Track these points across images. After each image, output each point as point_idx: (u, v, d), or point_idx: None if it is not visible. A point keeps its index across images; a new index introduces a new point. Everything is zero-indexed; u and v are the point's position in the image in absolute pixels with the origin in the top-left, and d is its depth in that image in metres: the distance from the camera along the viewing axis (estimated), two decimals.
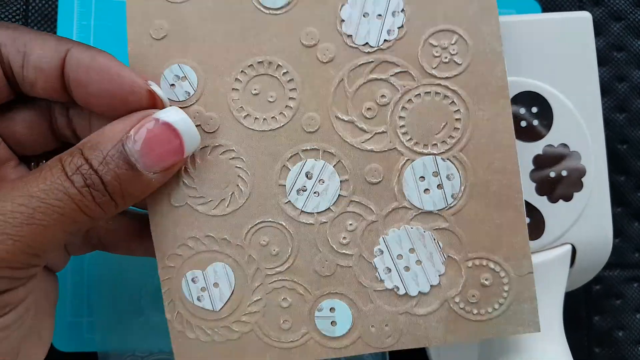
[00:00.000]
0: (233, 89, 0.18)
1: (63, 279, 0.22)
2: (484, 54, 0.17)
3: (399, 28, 0.18)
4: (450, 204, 0.18)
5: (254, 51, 0.18)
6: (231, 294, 0.18)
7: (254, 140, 0.18)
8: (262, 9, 0.18)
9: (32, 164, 0.19)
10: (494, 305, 0.18)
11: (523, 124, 0.20)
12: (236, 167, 0.18)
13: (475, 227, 0.18)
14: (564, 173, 0.20)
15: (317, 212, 0.18)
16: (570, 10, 0.28)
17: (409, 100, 0.18)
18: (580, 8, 0.28)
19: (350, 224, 0.18)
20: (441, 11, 0.17)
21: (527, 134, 0.20)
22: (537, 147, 0.21)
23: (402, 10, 0.17)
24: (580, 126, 0.20)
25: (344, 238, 0.18)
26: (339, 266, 0.18)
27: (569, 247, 0.21)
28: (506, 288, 0.18)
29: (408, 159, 0.18)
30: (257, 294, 0.18)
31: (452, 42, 0.17)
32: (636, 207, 0.27)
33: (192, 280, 0.18)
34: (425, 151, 0.18)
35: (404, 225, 0.18)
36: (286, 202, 0.18)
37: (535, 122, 0.20)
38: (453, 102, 0.17)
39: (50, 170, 0.16)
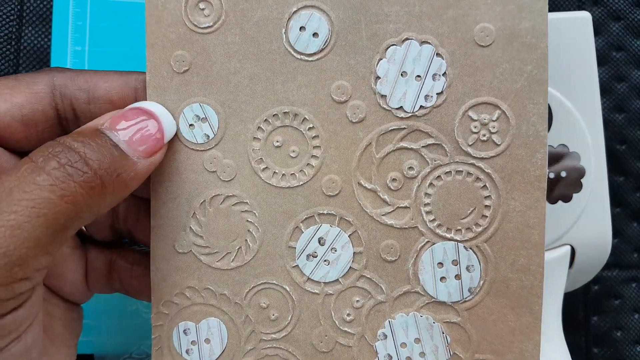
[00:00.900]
0: (254, 137, 0.24)
1: None
2: (526, 136, 0.22)
3: (437, 94, 0.23)
4: (465, 298, 0.22)
5: (281, 99, 0.23)
6: (221, 353, 0.24)
7: (270, 195, 0.24)
8: (293, 52, 0.23)
9: None
10: None
11: None
12: (247, 220, 0.24)
13: (488, 327, 0.22)
14: (563, 174, 0.27)
15: (325, 282, 0.23)
16: (570, 9, 0.35)
17: (438, 176, 0.23)
18: (580, 8, 0.35)
19: (357, 301, 0.24)
20: (487, 79, 0.22)
21: None
22: None
23: (444, 73, 0.23)
24: (580, 127, 0.27)
25: (348, 314, 0.23)
26: (338, 344, 0.24)
27: (568, 248, 0.28)
28: None
29: (428, 241, 0.23)
30: (248, 358, 0.24)
31: (494, 118, 0.22)
32: (635, 208, 0.35)
33: (184, 331, 0.25)
34: (447, 235, 0.23)
35: (414, 312, 0.23)
36: (294, 266, 0.24)
37: None
38: (485, 186, 0.22)
39: (17, 166, 0.19)
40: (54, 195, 0.20)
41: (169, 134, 0.24)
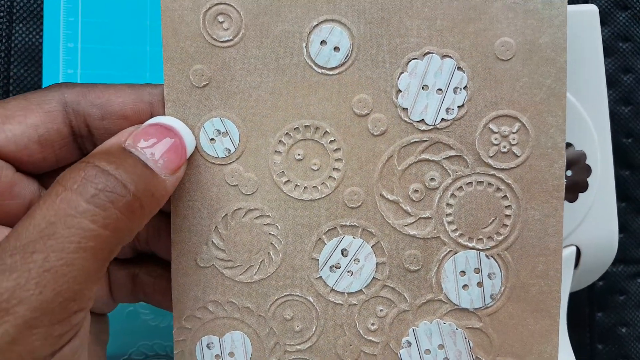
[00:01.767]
0: (276, 151, 0.26)
1: None
2: (545, 147, 0.25)
3: (459, 107, 0.25)
4: (487, 304, 0.26)
5: (302, 113, 0.26)
6: None
7: (292, 208, 0.26)
8: (314, 66, 0.26)
9: None
10: None
11: None
12: (270, 233, 0.26)
13: (509, 331, 0.26)
14: (569, 173, 0.29)
15: (348, 293, 0.26)
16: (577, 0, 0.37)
17: (460, 187, 0.26)
18: None
19: (381, 310, 0.26)
20: (507, 92, 0.25)
21: None
22: None
23: (465, 87, 0.25)
24: (586, 124, 0.29)
25: (373, 324, 0.26)
26: (363, 353, 0.27)
27: (573, 248, 0.30)
28: None
29: (450, 250, 0.26)
30: None
31: (514, 130, 0.25)
32: None
33: (208, 345, 0.27)
34: (469, 245, 0.26)
35: (437, 320, 0.26)
36: (317, 278, 0.26)
37: None
38: (505, 196, 0.25)
39: (50, 195, 0.20)
40: (97, 226, 0.21)
41: (190, 149, 0.26)
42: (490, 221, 0.26)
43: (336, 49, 0.25)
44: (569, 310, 0.31)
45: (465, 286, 0.26)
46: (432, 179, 0.26)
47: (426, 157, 0.26)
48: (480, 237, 0.26)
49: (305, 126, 0.26)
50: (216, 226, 0.26)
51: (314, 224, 0.26)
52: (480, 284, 0.26)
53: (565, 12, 0.24)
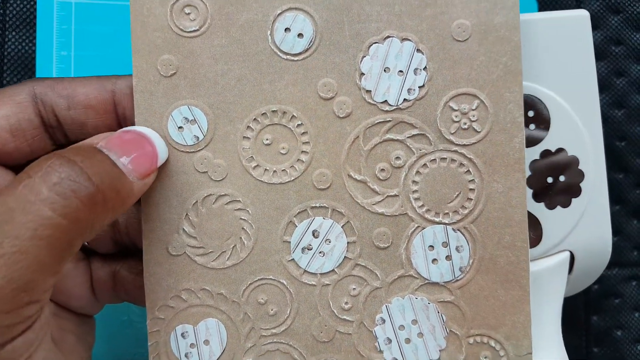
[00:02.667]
0: (244, 137, 0.27)
1: None
2: (504, 122, 0.26)
3: (419, 87, 0.27)
4: (457, 277, 0.27)
5: (269, 98, 0.27)
6: (222, 354, 0.27)
7: (262, 192, 0.27)
8: (279, 53, 0.27)
9: None
10: None
11: None
12: (241, 218, 0.27)
13: (480, 303, 0.27)
14: (562, 178, 0.29)
15: (321, 273, 0.27)
16: (569, 3, 0.38)
17: (424, 164, 0.27)
18: (579, 0, 0.37)
19: (354, 289, 0.27)
20: (465, 72, 0.26)
21: None
22: (534, 152, 0.29)
23: (425, 68, 0.27)
24: (579, 130, 0.29)
25: (346, 303, 0.27)
26: (338, 332, 0.27)
27: (567, 254, 0.30)
28: None
29: (418, 226, 0.27)
30: (249, 356, 0.27)
31: (473, 107, 0.26)
32: (635, 205, 0.38)
33: (182, 335, 0.27)
34: (436, 219, 0.27)
35: (409, 295, 0.27)
36: (289, 260, 0.27)
37: (532, 127, 0.29)
38: (468, 170, 0.27)
39: (14, 183, 0.20)
40: (56, 214, 0.20)
41: (162, 158, 0.26)
42: (455, 196, 0.27)
43: (300, 35, 0.26)
44: (564, 314, 0.31)
45: (434, 260, 0.27)
46: (397, 158, 0.27)
47: (391, 137, 0.27)
48: (446, 211, 0.27)
49: (273, 111, 0.27)
50: (187, 213, 0.27)
51: (285, 207, 0.27)
52: (449, 258, 0.27)
53: None
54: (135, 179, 0.24)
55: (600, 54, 0.38)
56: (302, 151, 0.27)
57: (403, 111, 0.27)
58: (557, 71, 0.29)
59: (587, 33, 0.29)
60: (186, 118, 0.27)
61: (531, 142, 0.29)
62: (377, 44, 0.26)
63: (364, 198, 0.27)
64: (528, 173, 0.29)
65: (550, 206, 0.29)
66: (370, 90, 0.27)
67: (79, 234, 0.21)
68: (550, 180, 0.29)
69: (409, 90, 0.27)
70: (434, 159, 0.27)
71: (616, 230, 0.38)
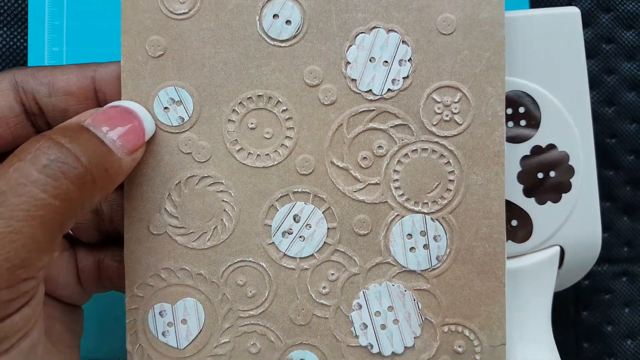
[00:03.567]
0: (229, 120, 0.27)
1: None
2: (485, 116, 0.27)
3: (404, 78, 0.27)
4: (434, 266, 0.27)
5: (255, 83, 0.27)
6: (198, 333, 0.28)
7: (245, 175, 0.27)
8: (266, 38, 0.27)
9: None
10: None
11: (510, 124, 0.30)
12: (223, 200, 0.27)
13: (456, 292, 0.27)
14: (552, 174, 0.30)
15: (300, 258, 0.27)
16: (560, 0, 0.39)
17: (406, 154, 0.27)
18: None
19: (332, 274, 0.28)
20: (449, 65, 0.27)
21: (514, 135, 0.30)
22: (524, 148, 0.30)
23: (410, 59, 0.27)
24: (569, 126, 0.30)
25: (324, 287, 0.28)
26: (315, 316, 0.28)
27: (557, 248, 0.31)
28: (478, 357, 0.27)
29: (398, 215, 0.27)
30: (226, 336, 0.28)
31: (455, 100, 0.27)
32: (625, 202, 0.39)
33: (160, 313, 0.28)
34: (415, 209, 0.27)
35: (386, 282, 0.27)
36: (270, 243, 0.27)
37: (523, 122, 0.30)
38: (449, 162, 0.27)
39: (4, 165, 0.21)
40: (48, 195, 0.21)
41: (149, 132, 0.27)
42: (434, 186, 0.27)
43: (288, 22, 0.27)
44: (554, 309, 0.31)
45: (412, 249, 0.27)
46: (379, 147, 0.27)
47: (374, 126, 0.27)
48: (426, 201, 0.27)
49: (258, 96, 0.27)
50: (169, 193, 0.27)
51: (267, 190, 0.27)
52: (426, 247, 0.27)
53: None
54: (124, 155, 0.24)
55: (590, 52, 0.38)
56: (286, 136, 0.27)
57: (387, 101, 0.27)
58: (548, 68, 0.30)
59: (578, 30, 0.30)
60: (172, 99, 0.27)
61: (522, 138, 0.30)
62: (363, 34, 0.27)
63: (346, 185, 0.27)
64: (518, 169, 0.30)
65: (541, 201, 0.30)
66: (356, 79, 0.27)
67: (71, 213, 0.22)
68: (540, 175, 0.30)
69: (393, 80, 0.27)
70: (416, 149, 0.27)
71: (607, 226, 0.39)
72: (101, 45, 0.36)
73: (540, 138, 0.30)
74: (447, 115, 0.27)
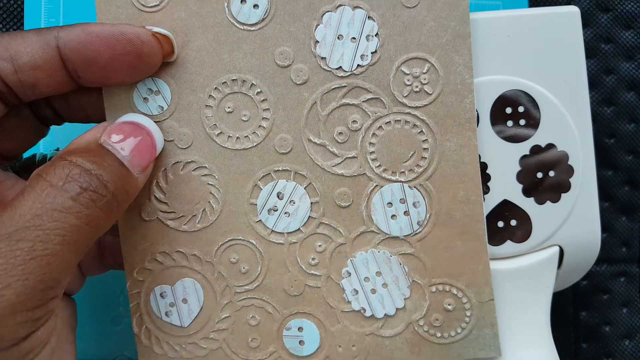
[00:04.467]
0: (207, 105, 0.28)
1: None
2: (454, 84, 0.28)
3: (372, 53, 0.28)
4: (415, 231, 0.29)
5: (228, 68, 0.28)
6: (200, 311, 0.30)
7: (227, 158, 0.29)
8: (236, 24, 0.28)
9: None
10: (456, 329, 0.29)
11: (509, 123, 0.30)
12: (208, 183, 0.29)
13: (439, 254, 0.29)
14: (552, 174, 0.30)
15: (287, 233, 0.29)
16: (560, 0, 0.38)
17: (380, 127, 0.28)
18: None
19: (320, 246, 0.29)
20: (415, 37, 0.28)
21: (513, 134, 0.31)
22: (523, 148, 0.30)
23: (377, 34, 0.28)
24: (568, 125, 0.30)
25: (313, 259, 0.29)
26: (307, 286, 0.29)
27: (556, 248, 0.31)
28: (468, 313, 0.29)
29: (377, 185, 0.29)
30: (226, 311, 0.30)
31: (424, 70, 0.28)
32: (623, 202, 0.39)
33: (161, 295, 0.30)
34: (393, 178, 0.29)
35: (372, 249, 0.29)
36: (257, 221, 0.29)
37: (522, 122, 0.30)
38: (422, 131, 0.28)
39: (34, 189, 0.22)
40: (81, 222, 0.23)
41: (159, 147, 0.28)
42: (410, 155, 0.29)
43: (255, 6, 0.28)
44: (553, 310, 0.31)
45: (393, 216, 0.29)
46: (354, 121, 0.28)
47: (347, 102, 0.28)
48: (402, 170, 0.29)
49: (233, 80, 0.28)
50: (157, 181, 0.29)
51: (249, 171, 0.29)
52: (407, 213, 0.29)
53: None
54: (139, 174, 0.26)
55: (589, 52, 0.38)
56: (263, 117, 0.28)
57: (357, 76, 0.28)
58: (547, 67, 0.29)
59: (578, 29, 0.30)
60: (150, 89, 0.28)
61: (521, 137, 0.30)
62: (330, 12, 0.28)
63: (324, 160, 0.29)
64: (518, 168, 0.30)
65: (540, 201, 0.30)
66: (325, 57, 0.28)
67: (97, 235, 0.24)
68: (540, 175, 0.30)
69: (362, 56, 0.28)
70: (389, 122, 0.28)
71: (605, 226, 0.38)
72: None
73: (540, 137, 0.30)
74: (417, 87, 0.28)
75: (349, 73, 0.28)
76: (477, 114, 0.30)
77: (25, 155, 0.31)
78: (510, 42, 0.30)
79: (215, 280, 0.29)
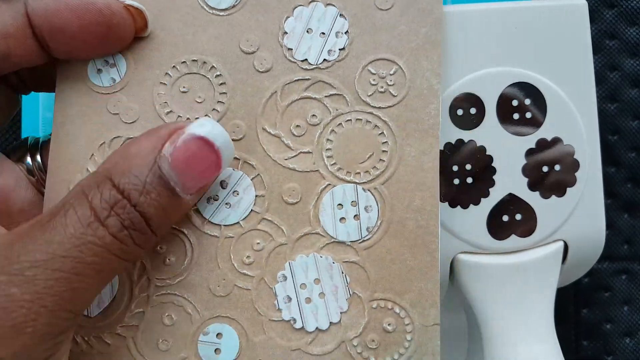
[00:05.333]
0: (161, 82, 0.27)
1: None
2: (420, 89, 0.27)
3: (340, 50, 0.27)
4: (364, 237, 0.26)
5: (190, 49, 0.27)
6: (111, 301, 0.26)
7: None
8: (205, 7, 0.27)
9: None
10: (393, 355, 0.26)
11: (515, 116, 0.29)
12: None
13: (386, 266, 0.26)
14: (557, 168, 0.29)
15: (225, 225, 0.26)
16: None
17: (340, 124, 0.27)
18: None
19: (258, 243, 0.26)
20: (385, 39, 0.27)
21: (519, 127, 0.29)
22: (529, 141, 0.29)
23: (347, 32, 0.28)
24: (575, 119, 0.29)
25: (248, 257, 0.26)
26: (236, 287, 0.26)
27: (561, 243, 0.30)
28: (409, 337, 0.26)
29: (329, 184, 0.27)
30: (140, 306, 0.26)
31: (391, 72, 0.27)
32: (626, 199, 0.39)
33: None
34: (347, 178, 0.27)
35: (314, 253, 0.26)
36: (193, 209, 0.27)
37: (528, 115, 0.29)
38: (382, 133, 0.27)
39: (76, 211, 0.22)
40: (116, 256, 0.22)
41: (225, 164, 0.25)
42: (367, 156, 0.27)
43: None
44: (554, 306, 0.30)
45: (342, 219, 0.26)
46: (313, 116, 0.27)
47: (309, 95, 0.27)
48: (358, 171, 0.27)
49: (193, 60, 0.27)
50: (93, 154, 0.26)
51: None
52: (357, 217, 0.26)
53: None
54: (190, 196, 0.24)
55: (594, 48, 0.38)
56: (218, 101, 0.27)
57: (322, 71, 0.27)
58: (554, 60, 0.29)
59: (585, 22, 0.29)
60: (106, 61, 0.27)
61: (527, 130, 0.29)
62: (302, 6, 0.27)
63: (277, 152, 0.27)
64: (523, 162, 0.29)
65: (545, 195, 0.29)
66: (292, 49, 0.27)
67: (129, 264, 0.25)
68: (545, 169, 0.29)
69: (329, 51, 0.27)
70: (350, 119, 0.27)
71: (607, 224, 0.37)
72: None
73: (546, 131, 0.29)
74: (382, 87, 0.27)
75: (314, 66, 0.27)
76: (484, 107, 0.29)
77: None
78: (517, 34, 0.29)
79: (134, 270, 0.26)
